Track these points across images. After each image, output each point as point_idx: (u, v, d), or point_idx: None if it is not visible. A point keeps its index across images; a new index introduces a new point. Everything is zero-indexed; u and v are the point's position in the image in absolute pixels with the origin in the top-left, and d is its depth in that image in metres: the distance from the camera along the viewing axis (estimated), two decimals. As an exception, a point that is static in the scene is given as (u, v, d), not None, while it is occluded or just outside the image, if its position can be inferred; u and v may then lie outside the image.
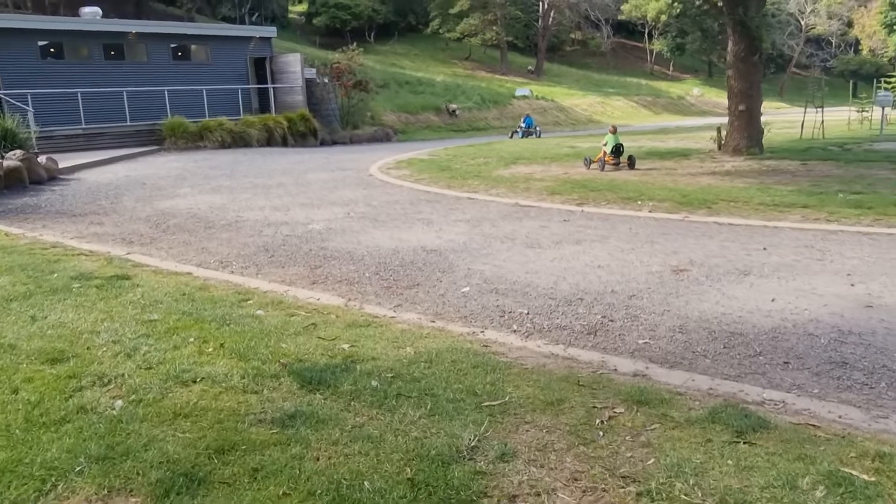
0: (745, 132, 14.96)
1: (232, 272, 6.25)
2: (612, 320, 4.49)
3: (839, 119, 24.25)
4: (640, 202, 9.34)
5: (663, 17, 59.87)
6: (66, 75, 19.59)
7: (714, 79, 68.35)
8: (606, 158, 13.45)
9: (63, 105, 18.89)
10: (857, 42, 65.90)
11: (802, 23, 65.67)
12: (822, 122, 18.92)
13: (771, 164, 13.57)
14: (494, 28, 51.06)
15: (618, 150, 13.52)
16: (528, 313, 4.70)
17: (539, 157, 16.82)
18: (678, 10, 59.11)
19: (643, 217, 8.33)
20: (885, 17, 34.93)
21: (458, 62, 52.50)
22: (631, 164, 13.40)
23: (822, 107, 18.98)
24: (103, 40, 20.67)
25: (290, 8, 56.97)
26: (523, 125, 29.80)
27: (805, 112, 19.47)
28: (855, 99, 23.79)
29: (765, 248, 6.38)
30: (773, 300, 4.82)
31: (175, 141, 19.97)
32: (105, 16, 22.91)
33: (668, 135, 26.67)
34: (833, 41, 69.10)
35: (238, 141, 21.33)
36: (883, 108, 20.47)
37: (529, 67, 54.70)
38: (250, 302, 5.00)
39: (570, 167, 14.28)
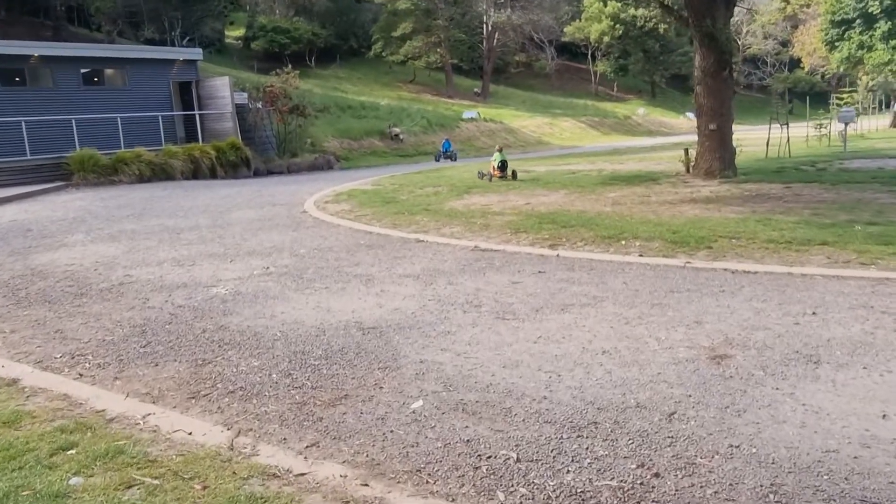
0: (717, 153, 13.72)
1: (80, 375, 4.33)
2: (657, 474, 2.77)
3: (795, 136, 23.56)
4: (623, 242, 7.76)
5: (606, 39, 60.08)
6: (-47, 104, 17.16)
7: (657, 99, 68.96)
8: (494, 172, 16.00)
9: (-53, 138, 16.44)
10: (793, 60, 67.46)
11: (740, 42, 66.97)
12: (788, 140, 17.96)
13: (750, 188, 12.28)
14: (439, 50, 49.95)
15: (503, 166, 16.17)
16: (517, 460, 2.95)
17: (493, 186, 15.24)
18: (620, 32, 59.68)
19: (635, 264, 6.73)
20: (826, 34, 35.13)
21: (403, 85, 51.12)
22: (514, 176, 16.02)
23: (787, 124, 18.04)
24: (1, 64, 18.28)
25: (227, 32, 54.81)
26: (442, 150, 29.40)
27: (770, 130, 18.51)
28: (813, 115, 23.22)
29: (814, 313, 4.81)
30: (883, 415, 3.20)
31: (84, 176, 17.69)
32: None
33: (623, 156, 25.59)
34: (769, 60, 70.73)
35: (159, 174, 19.15)
36: (846, 124, 19.76)
37: (475, 90, 53.73)
38: (72, 452, 3.11)
39: (531, 195, 12.72)
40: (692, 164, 14.65)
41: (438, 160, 28.67)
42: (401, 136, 33.23)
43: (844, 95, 25.40)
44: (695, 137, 38.67)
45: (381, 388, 3.84)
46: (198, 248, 8.80)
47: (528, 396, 3.60)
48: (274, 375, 4.13)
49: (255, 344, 4.75)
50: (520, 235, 8.59)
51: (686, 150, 15.12)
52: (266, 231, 10.08)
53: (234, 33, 55.34)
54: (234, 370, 4.26)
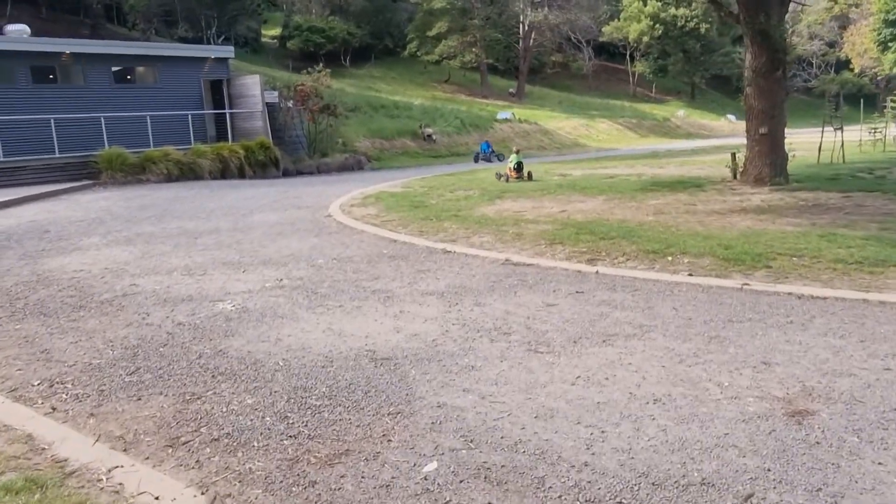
0: (768, 158, 12.82)
1: (53, 409, 3.82)
2: None
3: (848, 141, 22.34)
4: (670, 258, 7.04)
5: (645, 39, 58.71)
6: (-17, 101, 17.11)
7: (697, 100, 67.30)
8: (511, 173, 16.76)
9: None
10: (840, 62, 65.20)
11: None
12: (843, 144, 16.89)
13: (805, 196, 11.39)
14: (474, 50, 49.29)
15: (520, 167, 16.91)
16: (553, 560, 2.31)
17: (527, 188, 14.56)
18: (660, 32, 58.26)
19: (684, 285, 6.01)
20: (879, 34, 33.54)
21: (437, 85, 50.60)
22: (529, 177, 16.78)
23: (841, 128, 16.97)
24: (31, 61, 18.21)
25: (264, 32, 55.02)
26: (480, 150, 28.58)
27: (823, 133, 17.45)
28: (867, 119, 21.96)
29: (908, 355, 4.06)
30: None
31: (112, 174, 17.49)
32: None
33: (662, 159, 24.63)
34: (814, 62, 68.45)
35: (187, 173, 18.89)
36: (905, 129, 18.56)
37: (510, 90, 52.94)
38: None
39: (567, 202, 12.01)
40: (740, 169, 13.76)
41: (477, 161, 28.03)
42: (433, 137, 32.67)
43: (900, 99, 24.07)
44: (737, 140, 37.34)
45: (390, 441, 3.24)
46: (212, 255, 8.32)
47: (565, 461, 2.96)
48: (268, 418, 3.55)
49: (252, 375, 4.18)
50: (555, 247, 7.92)
51: (733, 155, 14.23)
52: (286, 237, 9.58)
53: (270, 32, 55.55)
54: (224, 409, 3.70)
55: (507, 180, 16.50)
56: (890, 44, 33.01)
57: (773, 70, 12.38)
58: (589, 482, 2.78)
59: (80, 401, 3.93)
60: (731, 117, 62.57)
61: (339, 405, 3.68)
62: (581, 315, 5.17)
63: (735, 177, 14.00)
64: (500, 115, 40.25)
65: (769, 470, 2.80)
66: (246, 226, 10.75)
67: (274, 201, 14.21)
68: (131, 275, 7.36)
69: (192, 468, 3.08)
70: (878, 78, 45.89)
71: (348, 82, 42.84)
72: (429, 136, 32.46)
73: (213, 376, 4.20)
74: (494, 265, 7.20)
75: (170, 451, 3.26)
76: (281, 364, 4.35)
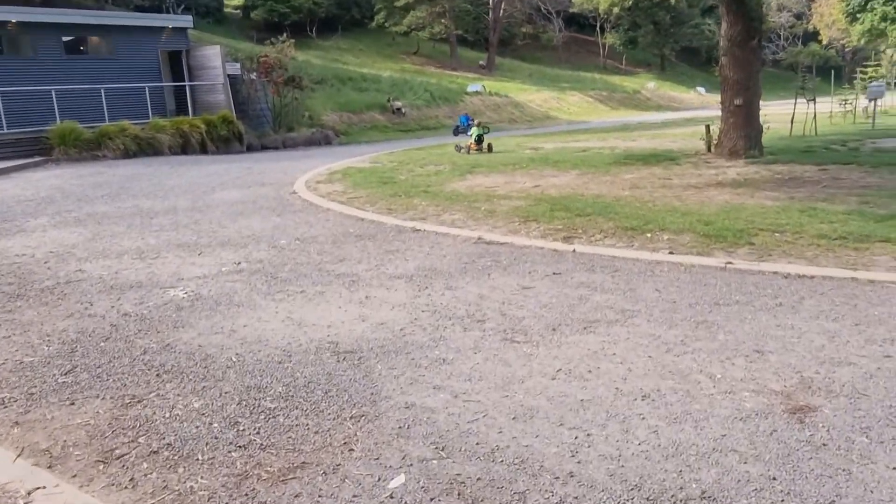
0: (743, 131, 12.62)
1: (-28, 419, 3.39)
2: None
3: (819, 113, 22.34)
4: (649, 234, 6.76)
5: (615, 10, 58.24)
6: (-77, 74, 16.09)
7: (667, 72, 67.22)
8: (472, 146, 17.29)
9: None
10: (807, 35, 65.53)
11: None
12: (815, 116, 16.79)
13: (781, 169, 11.22)
14: (443, 21, 48.35)
15: (480, 139, 17.55)
16: None
17: (498, 163, 14.20)
18: (630, 3, 57.84)
19: (665, 264, 5.73)
20: (848, 5, 33.61)
21: (406, 57, 49.61)
22: (489, 149, 17.28)
23: (814, 100, 16.86)
24: (-26, 31, 17.18)
25: (226, 2, 53.28)
26: (460, 123, 27.48)
27: (795, 106, 17.33)
28: (838, 91, 21.96)
29: (908, 340, 3.82)
30: None
31: (66, 151, 16.68)
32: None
33: (634, 132, 24.43)
34: (782, 34, 68.75)
35: (146, 149, 18.12)
36: (875, 101, 18.54)
37: (481, 62, 52.20)
38: None
39: (540, 177, 11.68)
40: (714, 142, 13.56)
41: (456, 135, 26.89)
42: (403, 110, 32.01)
43: (869, 69, 24.12)
44: (707, 112, 37.57)
45: (352, 450, 2.89)
46: (167, 236, 7.83)
47: (548, 471, 2.64)
48: (215, 425, 3.18)
49: (202, 373, 3.79)
50: (529, 225, 7.59)
51: (707, 127, 14.01)
52: (247, 216, 9.10)
53: (233, 3, 53.86)
54: (167, 414, 3.31)
55: (469, 152, 16.96)
56: (858, 15, 33.11)
57: (748, 39, 12.11)
58: (576, 498, 2.47)
59: (5, 406, 3.50)
60: (701, 89, 62.70)
61: (297, 407, 3.31)
62: (559, 299, 4.85)
63: (709, 149, 13.80)
64: (471, 88, 39.66)
65: (775, 479, 2.52)
66: (205, 204, 10.23)
67: (236, 178, 13.64)
68: (78, 259, 6.85)
69: (126, 488, 2.70)
70: (846, 50, 46.16)
71: (314, 54, 41.72)
72: (398, 109, 31.80)
73: (157, 375, 3.80)
74: (466, 244, 6.84)
75: (101, 466, 2.87)
76: (234, 360, 3.96)
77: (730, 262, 5.63)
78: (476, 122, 18.92)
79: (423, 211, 8.84)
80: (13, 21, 17.80)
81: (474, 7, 51.97)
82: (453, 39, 50.00)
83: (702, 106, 54.71)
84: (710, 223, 7.01)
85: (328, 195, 10.70)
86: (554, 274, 5.53)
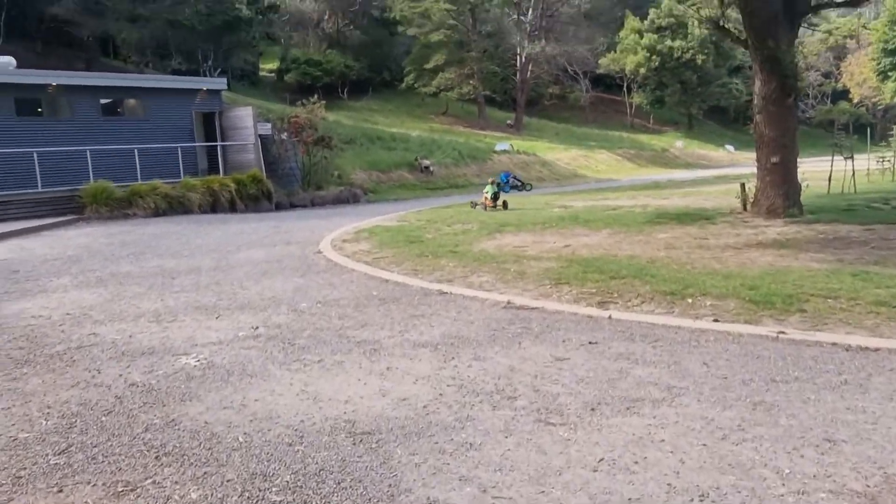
0: (781, 189, 12.21)
1: (-47, 506, 3.08)
2: None
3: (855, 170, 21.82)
4: (690, 300, 6.34)
5: (642, 71, 58.82)
6: (-35, 134, 16.56)
7: (695, 131, 67.22)
8: (487, 203, 17.56)
9: (-45, 170, 15.78)
10: (836, 93, 65.26)
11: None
12: (854, 174, 16.31)
13: (824, 229, 10.74)
14: (471, 82, 49.23)
15: (496, 196, 17.79)
16: None
17: (528, 221, 13.92)
18: (656, 63, 58.39)
19: (711, 333, 5.30)
20: (879, 63, 33.39)
21: (435, 117, 50.42)
22: (504, 206, 17.56)
23: (851, 157, 16.42)
24: (16, 94, 17.70)
25: (262, 65, 55.10)
26: (502, 181, 27.51)
27: (833, 163, 16.89)
28: (875, 148, 21.46)
29: None
30: None
31: (97, 209, 16.87)
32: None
33: (665, 190, 24.10)
34: (810, 92, 68.60)
35: (176, 207, 18.27)
36: (915, 158, 18.05)
37: (508, 121, 52.77)
38: None
39: (570, 236, 11.36)
40: (750, 200, 13.14)
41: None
42: (431, 169, 32.20)
43: (905, 127, 23.68)
44: (738, 170, 36.98)
45: (365, 558, 2.50)
46: (187, 298, 7.61)
47: None
48: (213, 522, 2.82)
49: (205, 456, 3.45)
50: (561, 288, 7.22)
51: (743, 185, 13.62)
52: (270, 276, 8.88)
53: (267, 66, 55.66)
54: (162, 506, 2.96)
55: (485, 209, 17.28)
56: (890, 73, 32.84)
57: (783, 97, 11.84)
58: None
59: (-11, 493, 3.19)
60: (730, 147, 62.46)
61: (305, 502, 2.94)
62: (597, 372, 4.45)
63: (745, 208, 13.38)
64: (499, 147, 39.91)
65: None
66: (229, 264, 10.06)
67: (263, 237, 13.55)
68: (94, 321, 6.64)
69: None
70: (879, 107, 45.67)
71: (345, 114, 42.60)
72: (426, 167, 32.00)
73: (156, 457, 3.47)
74: (495, 309, 6.49)
75: (80, 572, 2.52)
76: (241, 441, 3.62)
77: (782, 332, 5.18)
78: (490, 180, 19.60)
79: (451, 272, 8.53)
80: (53, 84, 18.36)
81: (502, 69, 52.93)
82: (481, 99, 50.76)
83: (731, 164, 54.33)
84: (756, 287, 6.57)
85: (353, 255, 10.48)
86: (590, 343, 5.14)
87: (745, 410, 3.71)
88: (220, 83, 22.36)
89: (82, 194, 16.90)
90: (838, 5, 13.36)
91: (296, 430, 3.73)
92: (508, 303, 6.71)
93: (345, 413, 3.93)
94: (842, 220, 11.49)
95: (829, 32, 62.99)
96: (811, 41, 64.92)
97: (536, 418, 3.73)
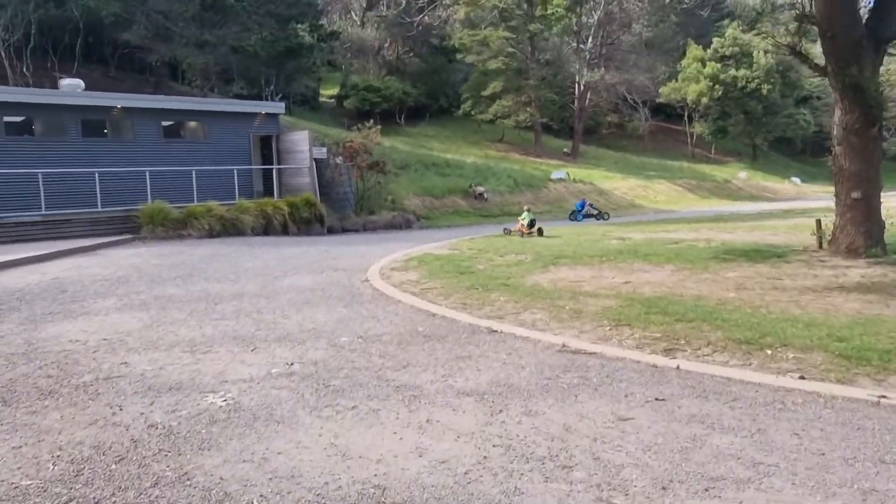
0: (862, 226, 11.28)
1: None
2: None
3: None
4: (769, 350, 5.66)
5: (704, 100, 57.41)
6: (33, 154, 17.02)
7: (759, 162, 65.06)
8: (523, 229, 18.53)
9: (21, 188, 16.19)
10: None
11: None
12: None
13: (914, 272, 9.80)
14: (528, 110, 48.90)
15: (532, 223, 18.73)
16: None
17: (584, 254, 13.29)
18: (719, 93, 56.91)
19: (798, 394, 4.63)
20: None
21: (490, 144, 50.20)
22: (540, 233, 18.43)
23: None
24: (83, 115, 18.20)
25: (322, 91, 56.19)
26: (576, 208, 29.23)
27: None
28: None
29: None
30: None
31: (153, 229, 17.05)
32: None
33: (728, 223, 23.02)
34: (884, 125, 65.55)
35: (229, 229, 18.35)
36: None
37: (565, 150, 52.11)
38: None
39: (630, 271, 10.70)
40: (828, 238, 12.21)
41: (572, 220, 28.64)
42: (485, 196, 31.82)
43: None
44: (803, 204, 35.25)
45: None
46: (226, 326, 7.32)
47: None
48: None
49: (212, 523, 3.03)
50: (621, 330, 6.62)
51: (818, 222, 12.69)
52: (313, 306, 8.54)
53: (328, 92, 56.71)
54: (154, 590, 2.54)
55: (522, 235, 18.26)
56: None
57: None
58: None
59: (-28, 555, 2.84)
60: (796, 180, 60.15)
61: None
62: (667, 438, 3.86)
63: (821, 246, 12.44)
64: (555, 175, 39.30)
65: None
66: (273, 290, 9.80)
67: (311, 262, 13.32)
68: (128, 349, 6.39)
69: None
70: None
71: (402, 140, 42.80)
72: (480, 194, 31.63)
73: (160, 521, 3.06)
74: (549, 352, 5.94)
75: None
76: (256, 504, 3.18)
77: (883, 396, 4.48)
78: (526, 207, 20.83)
79: (501, 307, 8.02)
80: (118, 107, 18.82)
81: (560, 97, 52.45)
82: (538, 127, 50.31)
83: (797, 197, 52.22)
84: (845, 339, 5.83)
85: (401, 284, 10.08)
86: (657, 400, 4.54)
87: (854, 501, 3.07)
88: (278, 107, 22.60)
89: (140, 214, 17.12)
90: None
91: (318, 494, 3.27)
92: (563, 346, 6.15)
93: (375, 476, 3.46)
94: (933, 263, 10.49)
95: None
96: (885, 71, 62.18)
97: (596, 496, 3.18)
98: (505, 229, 19.05)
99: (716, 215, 29.79)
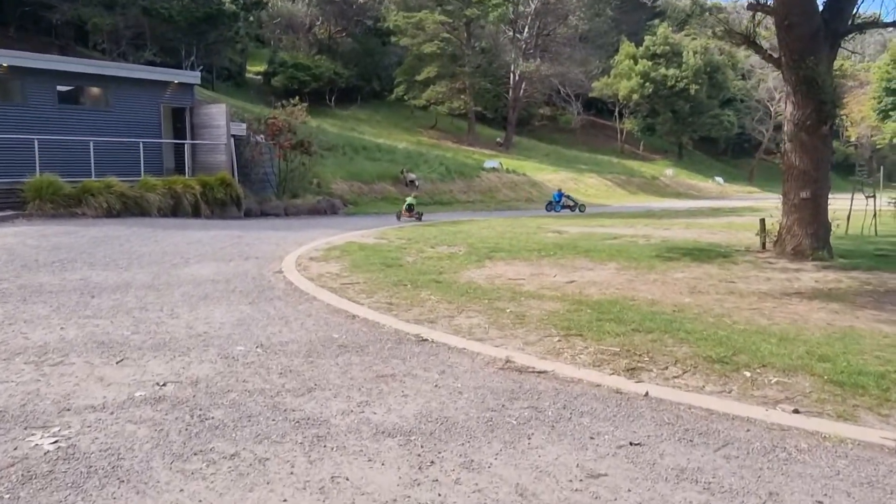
0: (810, 228, 10.81)
1: None
2: None
3: (862, 210, 20.64)
4: (747, 373, 4.81)
5: (635, 97, 58.00)
6: None
7: (684, 161, 66.50)
8: (404, 213, 20.01)
9: None
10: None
11: (772, 109, 65.01)
12: (876, 214, 15.03)
13: (866, 278, 9.32)
14: (462, 97, 47.92)
15: (410, 207, 20.25)
16: None
17: (521, 247, 12.39)
18: (650, 91, 57.62)
19: (798, 432, 3.76)
20: (880, 102, 32.59)
21: (424, 131, 49.01)
22: (419, 217, 20.18)
23: (873, 196, 15.15)
24: (-40, 74, 15.90)
25: (249, 67, 53.50)
26: (554, 199, 28.94)
27: (852, 202, 15.60)
28: (888, 187, 20.13)
29: None
30: None
31: (41, 206, 15.06)
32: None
33: (662, 220, 22.78)
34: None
35: (132, 208, 16.49)
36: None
37: (498, 139, 51.50)
38: None
39: (572, 269, 9.83)
40: (767, 238, 11.74)
41: (550, 210, 28.12)
42: (416, 183, 30.62)
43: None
44: (728, 203, 35.73)
45: None
46: (94, 328, 5.93)
47: None
48: None
49: None
50: (572, 341, 5.66)
51: (763, 221, 12.21)
52: (212, 302, 7.22)
53: (255, 68, 54.06)
54: None
55: (399, 218, 19.97)
56: (891, 112, 32.00)
57: (819, 124, 10.47)
58: None
59: None
60: (720, 179, 61.74)
61: None
62: (655, 509, 2.86)
63: (764, 247, 11.97)
64: (487, 164, 38.51)
65: None
66: (168, 282, 8.38)
67: (220, 248, 11.86)
68: (-48, 359, 4.94)
69: None
70: (877, 147, 44.97)
71: (331, 122, 41.02)
72: (411, 181, 30.43)
73: None
74: (490, 370, 4.90)
75: None
76: None
77: (886, 439, 3.65)
78: (413, 193, 23.03)
79: (433, 309, 6.95)
80: (4, 65, 16.57)
81: (494, 86, 51.67)
82: (472, 115, 49.42)
83: (721, 196, 53.45)
84: (829, 359, 5.05)
85: (319, 278, 8.85)
86: (631, 445, 3.56)
87: None
88: (192, 76, 20.65)
89: (25, 188, 15.08)
90: (885, 25, 12.08)
91: None
92: (507, 361, 5.12)
93: (245, 584, 2.30)
94: (882, 269, 10.09)
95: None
96: (847, 67, 64.69)
97: None
98: (397, 215, 20.44)
99: (647, 211, 29.70)
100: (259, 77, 51.15)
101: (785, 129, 11.05)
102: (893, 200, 19.85)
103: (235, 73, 49.12)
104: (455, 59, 47.33)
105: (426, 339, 5.76)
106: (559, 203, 28.55)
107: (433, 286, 8.19)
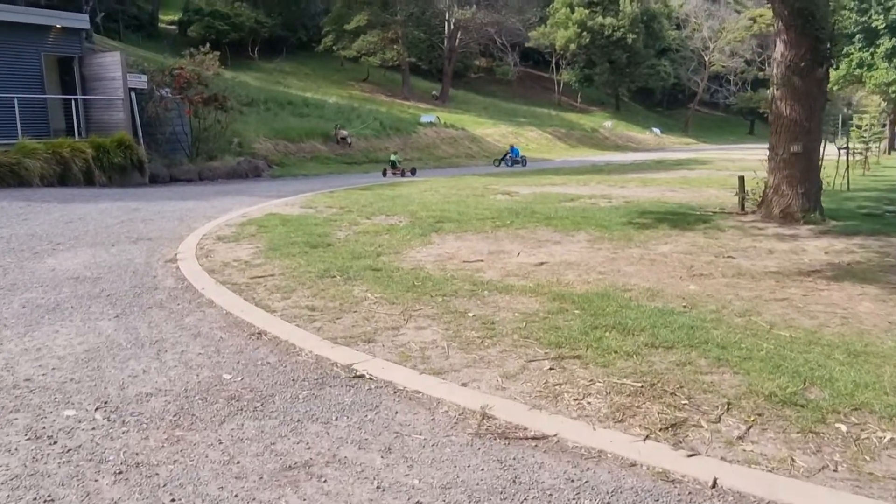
0: (801, 186, 9.45)
1: None
2: None
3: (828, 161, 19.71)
4: (838, 424, 3.24)
5: (572, 47, 56.44)
6: None
7: (622, 112, 65.83)
8: (389, 170, 21.16)
9: None
10: (757, 80, 65.23)
11: (706, 59, 64.67)
12: (848, 168, 13.94)
13: (876, 245, 8.00)
14: (395, 48, 45.17)
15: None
16: None
17: (472, 215, 10.63)
18: (587, 40, 56.15)
19: None
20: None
21: (355, 84, 46.16)
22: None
23: (846, 147, 14.03)
24: None
25: (161, 16, 49.11)
26: (511, 154, 28.42)
27: (823, 153, 14.44)
28: (858, 133, 19.16)
29: None
30: None
31: None
32: None
33: (613, 175, 21.44)
34: (732, 79, 68.44)
35: (6, 177, 13.85)
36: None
37: (434, 93, 49.16)
38: None
39: (537, 243, 8.17)
40: (748, 198, 10.37)
41: (499, 165, 27.74)
42: (349, 140, 28.34)
43: (865, 117, 21.85)
44: (670, 154, 34.70)
45: None
46: None
47: None
48: None
49: None
50: (569, 368, 3.99)
51: (742, 179, 10.81)
52: (62, 316, 5.20)
53: (168, 17, 49.71)
54: None
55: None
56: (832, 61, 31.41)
57: (814, 66, 9.01)
58: None
59: None
60: (657, 130, 61.35)
61: None
62: None
63: (743, 208, 10.61)
64: (424, 119, 36.36)
65: None
66: (13, 282, 6.26)
67: (106, 227, 9.65)
68: None
69: None
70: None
71: (255, 75, 37.88)
72: (343, 138, 28.12)
73: None
74: (461, 440, 3.16)
75: None
76: None
77: None
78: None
79: (369, 314, 5.15)
80: None
81: (428, 35, 49.05)
82: (406, 67, 46.83)
83: (659, 147, 53.00)
84: (936, 391, 3.54)
85: (223, 269, 6.89)
86: None
87: None
88: (80, 20, 17.63)
89: None
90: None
91: None
92: (485, 417, 3.40)
93: None
94: (885, 233, 8.82)
95: (754, 20, 62.66)
96: (736, 27, 64.65)
97: None
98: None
99: (592, 166, 28.40)
100: (174, 27, 46.98)
101: (774, 72, 9.54)
102: (863, 141, 18.89)
103: (146, 22, 44.91)
104: (386, 6, 44.44)
105: (361, 375, 3.97)
106: (515, 158, 27.91)
107: (370, 277, 6.37)
